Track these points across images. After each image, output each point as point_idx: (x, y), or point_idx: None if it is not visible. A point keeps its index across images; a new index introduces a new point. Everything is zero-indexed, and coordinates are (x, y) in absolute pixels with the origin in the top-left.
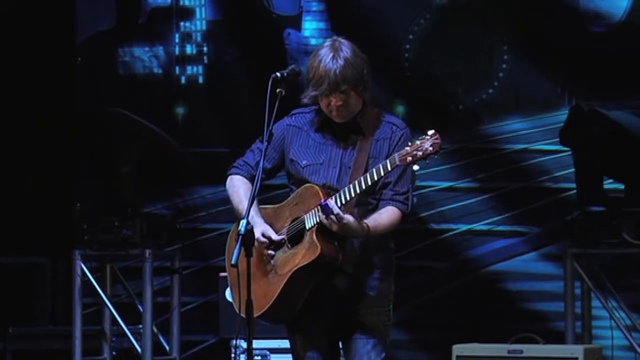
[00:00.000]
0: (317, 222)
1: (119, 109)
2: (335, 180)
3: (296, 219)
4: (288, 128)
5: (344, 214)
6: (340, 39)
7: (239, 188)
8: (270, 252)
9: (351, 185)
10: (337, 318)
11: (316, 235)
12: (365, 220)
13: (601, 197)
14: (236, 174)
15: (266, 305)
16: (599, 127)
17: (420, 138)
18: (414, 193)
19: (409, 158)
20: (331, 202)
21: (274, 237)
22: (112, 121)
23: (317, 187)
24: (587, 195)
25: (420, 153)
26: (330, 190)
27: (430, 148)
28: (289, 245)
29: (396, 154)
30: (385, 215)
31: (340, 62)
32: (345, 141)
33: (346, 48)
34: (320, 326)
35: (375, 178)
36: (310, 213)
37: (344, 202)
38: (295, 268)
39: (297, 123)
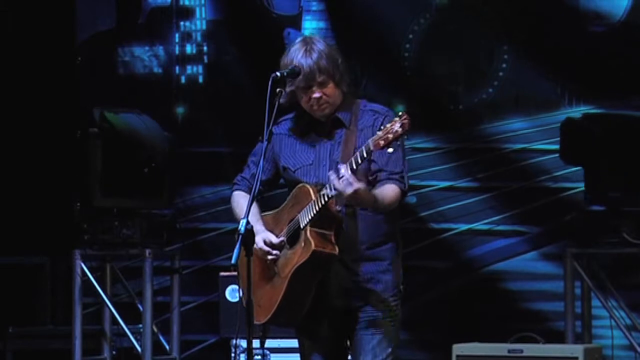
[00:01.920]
0: (310, 219)
1: (103, 110)
2: (327, 177)
3: (293, 220)
4: (275, 137)
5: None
6: (310, 36)
7: (239, 202)
8: (273, 257)
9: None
10: (342, 315)
11: (310, 232)
12: (372, 192)
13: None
14: (236, 190)
15: (272, 310)
16: (601, 126)
17: (390, 121)
18: (410, 175)
19: (382, 142)
20: (343, 166)
21: (274, 240)
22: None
23: (308, 186)
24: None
25: (391, 135)
26: (322, 188)
27: (400, 129)
28: (288, 247)
29: (370, 140)
30: (388, 190)
31: (314, 54)
32: (330, 137)
33: (318, 42)
34: (326, 325)
35: (354, 167)
36: (304, 211)
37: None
38: (294, 268)
39: (282, 131)
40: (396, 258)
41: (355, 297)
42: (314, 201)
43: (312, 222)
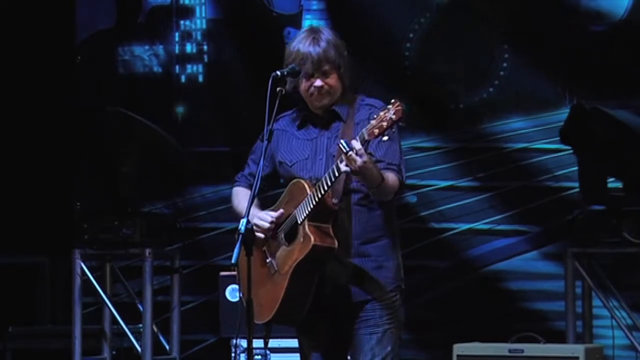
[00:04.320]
0: (307, 214)
1: (118, 108)
2: (323, 171)
3: (289, 216)
4: (273, 133)
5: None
6: (317, 25)
7: (237, 195)
8: (271, 229)
9: (334, 166)
10: (339, 312)
11: (308, 226)
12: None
13: (605, 197)
14: (237, 186)
15: (275, 307)
16: (602, 126)
17: (383, 109)
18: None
19: (376, 130)
20: (354, 140)
21: (274, 214)
22: (111, 120)
23: (303, 181)
24: (590, 195)
25: (385, 123)
26: (317, 183)
27: (394, 116)
28: (287, 244)
29: (364, 129)
30: (389, 175)
31: (323, 43)
32: (327, 131)
33: (326, 31)
34: (323, 323)
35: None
36: (300, 207)
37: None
38: (295, 264)
39: (280, 126)
40: (393, 254)
41: (351, 294)
42: (311, 195)
43: (310, 217)
